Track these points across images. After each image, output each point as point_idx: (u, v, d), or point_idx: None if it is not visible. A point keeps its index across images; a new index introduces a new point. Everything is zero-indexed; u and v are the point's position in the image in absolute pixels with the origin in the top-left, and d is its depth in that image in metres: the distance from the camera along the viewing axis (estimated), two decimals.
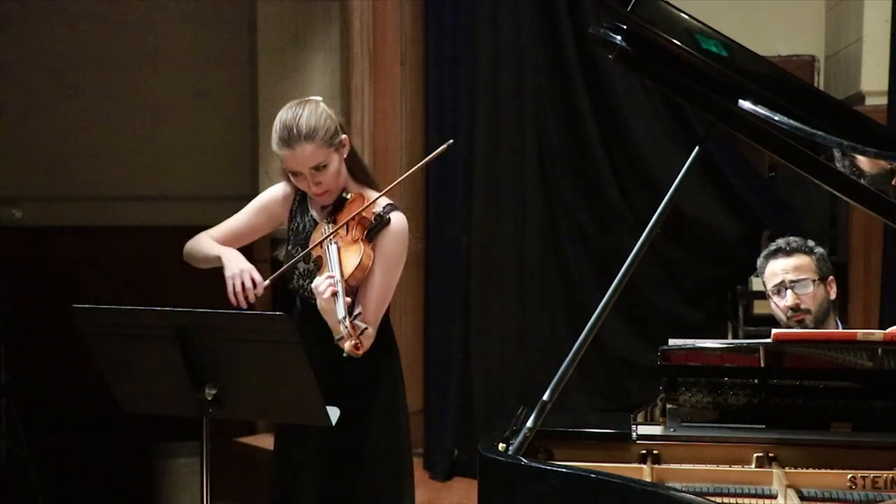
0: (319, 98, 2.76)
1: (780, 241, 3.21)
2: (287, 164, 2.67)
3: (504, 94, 4.82)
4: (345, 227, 2.65)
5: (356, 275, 2.59)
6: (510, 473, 2.25)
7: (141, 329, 2.41)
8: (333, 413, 2.43)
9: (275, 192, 2.90)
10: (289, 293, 2.87)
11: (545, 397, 2.35)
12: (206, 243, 2.84)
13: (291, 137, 2.61)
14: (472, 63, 4.82)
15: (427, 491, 4.60)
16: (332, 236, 2.64)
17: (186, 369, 2.39)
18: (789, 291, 3.10)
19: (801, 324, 3.09)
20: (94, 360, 2.48)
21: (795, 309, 3.09)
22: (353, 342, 2.42)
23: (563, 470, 2.20)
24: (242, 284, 2.66)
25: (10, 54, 5.71)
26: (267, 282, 2.70)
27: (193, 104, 5.68)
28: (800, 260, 3.13)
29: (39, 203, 5.72)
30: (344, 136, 2.71)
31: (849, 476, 2.31)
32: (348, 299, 2.50)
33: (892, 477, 2.31)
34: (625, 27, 2.37)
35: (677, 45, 2.29)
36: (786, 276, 3.12)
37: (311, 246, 2.69)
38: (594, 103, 4.75)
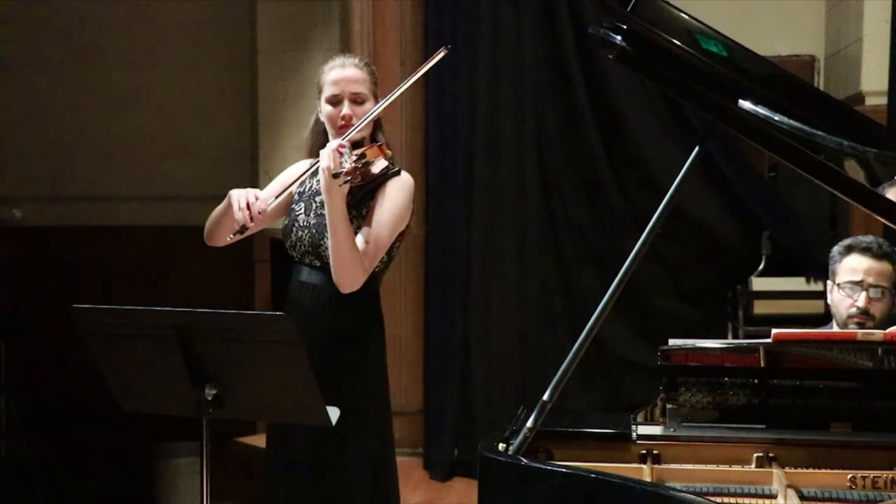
0: None
1: (868, 239, 3.10)
2: (333, 85, 2.79)
3: (504, 94, 4.82)
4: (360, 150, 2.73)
5: (367, 153, 2.66)
6: (510, 473, 2.25)
7: (141, 329, 2.41)
8: (333, 413, 2.43)
9: (294, 166, 2.97)
10: (289, 259, 2.88)
11: (545, 397, 2.35)
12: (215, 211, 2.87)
13: (346, 62, 2.82)
14: (472, 63, 4.82)
15: (427, 491, 4.61)
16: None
17: (186, 369, 2.39)
18: (864, 293, 3.05)
19: (860, 326, 3.04)
20: (94, 360, 2.48)
21: (864, 312, 3.05)
22: (353, 165, 2.54)
23: (563, 470, 2.20)
24: (247, 202, 2.67)
25: (10, 54, 5.71)
26: (273, 201, 2.74)
27: (193, 104, 5.68)
28: (885, 266, 3.05)
29: (39, 203, 5.72)
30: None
31: (849, 476, 2.31)
32: (356, 153, 2.60)
33: (892, 477, 2.31)
34: (625, 27, 2.37)
35: (677, 45, 2.29)
36: (867, 277, 3.04)
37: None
38: (594, 103, 4.76)
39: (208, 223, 2.90)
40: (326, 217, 2.64)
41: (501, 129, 4.83)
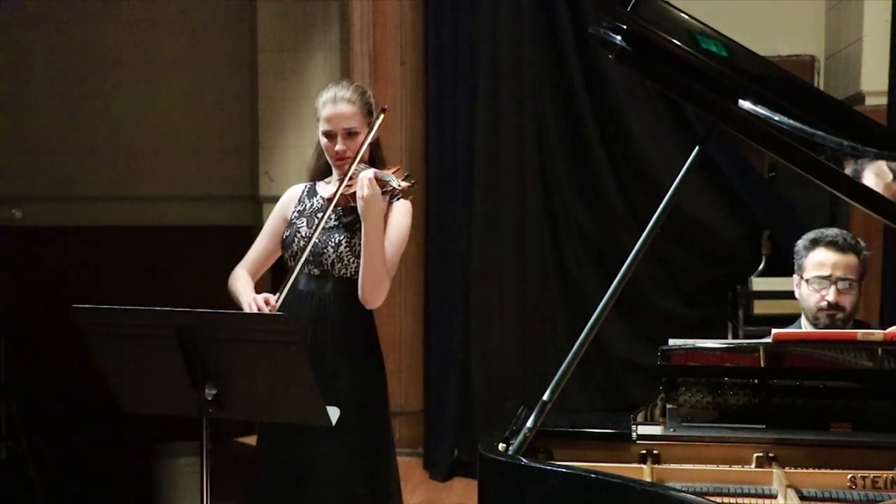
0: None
1: (833, 232, 3.11)
2: (326, 122, 2.90)
3: (504, 95, 4.82)
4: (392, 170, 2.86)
5: (396, 173, 2.77)
6: (510, 473, 2.25)
7: (141, 329, 2.41)
8: (333, 413, 2.43)
9: (285, 198, 3.07)
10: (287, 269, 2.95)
11: (545, 397, 2.35)
12: (236, 285, 2.99)
13: (337, 97, 2.91)
14: (472, 63, 4.82)
15: (427, 491, 4.61)
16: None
17: (186, 369, 2.39)
18: (833, 287, 3.07)
19: (830, 319, 3.05)
20: (94, 360, 2.48)
21: (834, 305, 3.06)
22: (409, 184, 2.69)
23: (563, 470, 2.20)
24: (259, 308, 2.78)
25: (11, 55, 5.71)
26: (280, 297, 2.80)
27: (193, 104, 5.68)
28: (851, 259, 3.06)
29: (39, 203, 5.72)
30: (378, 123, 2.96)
31: (849, 476, 2.31)
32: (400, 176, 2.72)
33: (892, 477, 2.31)
34: (625, 27, 2.37)
35: (677, 45, 2.29)
36: (835, 271, 3.05)
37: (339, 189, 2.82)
38: (594, 103, 4.75)
39: (231, 291, 3.00)
40: (367, 238, 2.75)
41: (501, 129, 4.83)
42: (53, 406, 5.40)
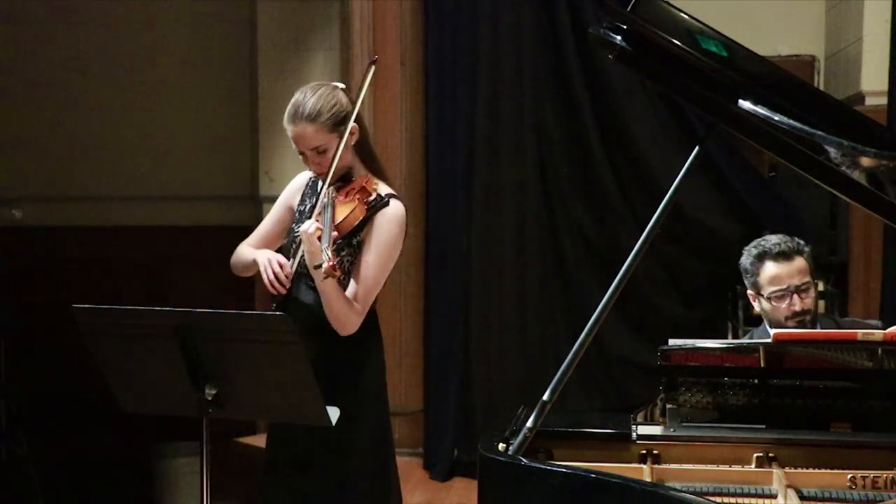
0: (342, 85, 2.85)
1: (773, 242, 3.13)
2: (293, 141, 2.77)
3: (504, 95, 4.82)
4: (346, 192, 2.73)
5: (345, 224, 2.66)
6: (510, 473, 2.25)
7: (141, 329, 2.41)
8: (333, 413, 2.43)
9: (292, 184, 3.01)
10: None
11: (545, 397, 2.35)
12: (244, 251, 2.95)
13: (296, 115, 2.72)
14: (472, 63, 4.82)
15: (427, 491, 4.61)
16: (331, 193, 2.72)
17: (186, 369, 2.39)
18: (794, 296, 3.07)
19: (801, 325, 3.08)
20: (94, 360, 2.48)
21: (800, 312, 3.07)
22: (331, 263, 2.51)
23: (563, 470, 2.20)
24: (275, 275, 2.72)
25: (11, 54, 5.71)
26: (294, 263, 2.76)
27: (193, 104, 5.68)
28: (801, 263, 3.09)
29: (39, 203, 5.72)
30: (354, 124, 2.77)
31: (849, 476, 2.31)
32: (335, 234, 2.61)
33: (892, 477, 2.31)
34: (625, 27, 2.37)
35: (677, 45, 2.29)
36: (791, 281, 3.07)
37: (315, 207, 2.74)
38: (594, 103, 4.75)
39: (234, 263, 2.96)
40: (318, 287, 2.64)
41: (501, 129, 4.83)
42: (53, 406, 5.40)
